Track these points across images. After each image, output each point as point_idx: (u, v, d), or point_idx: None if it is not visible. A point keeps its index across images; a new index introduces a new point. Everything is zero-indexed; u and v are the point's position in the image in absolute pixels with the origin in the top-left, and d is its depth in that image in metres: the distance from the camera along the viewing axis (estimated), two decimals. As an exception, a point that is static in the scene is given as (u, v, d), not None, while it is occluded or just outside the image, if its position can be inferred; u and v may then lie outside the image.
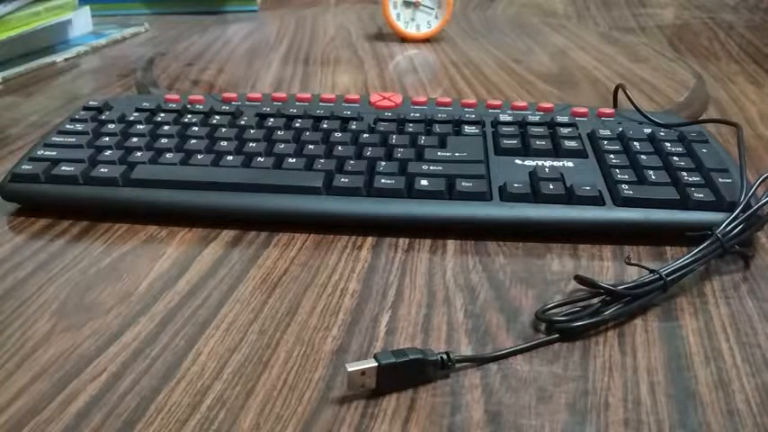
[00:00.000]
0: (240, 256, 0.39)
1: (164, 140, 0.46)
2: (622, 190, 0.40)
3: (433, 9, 0.80)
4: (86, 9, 0.87)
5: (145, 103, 0.53)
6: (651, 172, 0.42)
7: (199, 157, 0.44)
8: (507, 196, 0.41)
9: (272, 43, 0.83)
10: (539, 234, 0.40)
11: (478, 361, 0.30)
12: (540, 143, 0.46)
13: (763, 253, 0.39)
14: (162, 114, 0.51)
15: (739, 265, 0.38)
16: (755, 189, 0.39)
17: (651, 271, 0.34)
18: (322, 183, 0.41)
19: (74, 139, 0.47)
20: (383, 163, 0.43)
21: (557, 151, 0.45)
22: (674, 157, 0.43)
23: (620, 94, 0.55)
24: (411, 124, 0.49)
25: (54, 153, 0.45)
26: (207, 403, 0.28)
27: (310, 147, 0.45)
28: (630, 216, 0.39)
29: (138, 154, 0.44)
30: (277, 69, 0.72)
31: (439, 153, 0.45)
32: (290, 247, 0.39)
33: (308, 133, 0.47)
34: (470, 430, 0.26)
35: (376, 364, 0.28)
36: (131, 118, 0.50)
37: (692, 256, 0.35)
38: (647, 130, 0.48)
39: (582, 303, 0.33)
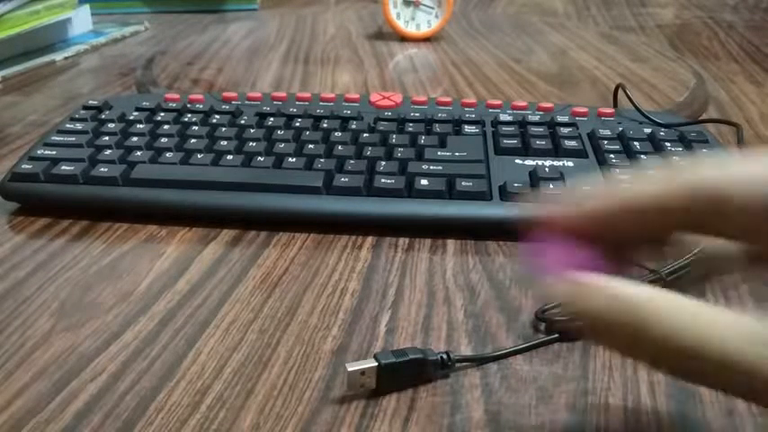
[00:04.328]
0: (240, 255, 0.39)
1: (163, 140, 0.46)
2: (622, 190, 0.40)
3: (432, 8, 0.80)
4: (86, 8, 0.87)
5: (145, 103, 0.53)
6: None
7: (199, 156, 0.44)
8: (507, 196, 0.41)
9: (272, 42, 0.83)
10: (539, 234, 0.40)
11: (478, 361, 0.30)
12: (540, 143, 0.46)
13: (763, 253, 0.39)
14: (162, 114, 0.51)
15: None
16: (755, 189, 0.39)
17: (651, 271, 0.34)
18: (322, 182, 0.41)
19: (73, 139, 0.47)
20: (383, 162, 0.43)
21: (557, 151, 0.45)
22: (675, 157, 0.43)
23: (620, 94, 0.55)
24: (411, 124, 0.49)
25: (54, 152, 0.45)
26: (207, 403, 0.28)
27: (310, 146, 0.45)
28: (630, 216, 0.39)
29: (138, 153, 0.44)
30: (277, 69, 0.72)
31: (439, 153, 0.45)
32: (290, 246, 0.39)
33: (308, 133, 0.47)
34: (470, 430, 0.26)
35: (376, 364, 0.28)
36: (131, 117, 0.50)
37: (692, 256, 0.35)
38: (648, 130, 0.48)
39: (582, 303, 0.33)
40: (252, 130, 0.48)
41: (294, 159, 0.44)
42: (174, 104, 0.52)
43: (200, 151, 0.45)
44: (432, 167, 0.43)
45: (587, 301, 0.20)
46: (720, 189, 0.19)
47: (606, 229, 0.21)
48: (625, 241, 0.22)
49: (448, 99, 0.53)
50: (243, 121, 0.50)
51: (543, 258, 0.21)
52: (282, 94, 0.55)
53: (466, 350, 0.31)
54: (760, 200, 0.18)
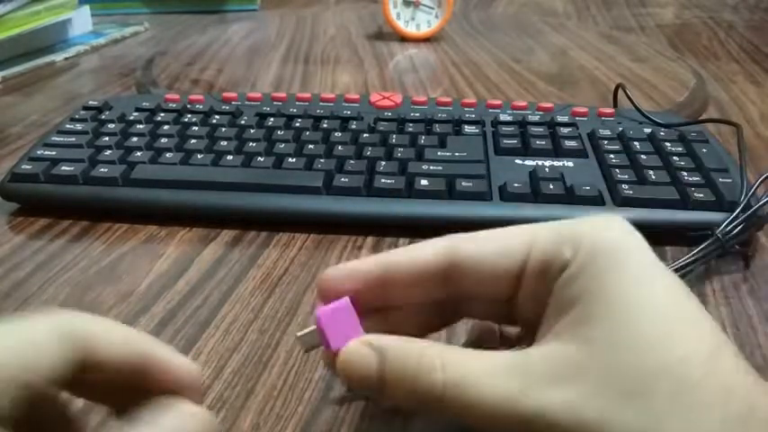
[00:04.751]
0: (240, 256, 0.39)
1: (163, 140, 0.46)
2: (622, 190, 0.40)
3: (432, 8, 0.80)
4: (86, 8, 0.87)
5: (145, 103, 0.53)
6: (651, 172, 0.42)
7: (199, 156, 0.44)
8: (507, 196, 0.41)
9: (272, 43, 0.83)
10: (539, 234, 0.40)
11: (478, 361, 0.30)
12: (540, 143, 0.46)
13: (763, 253, 0.39)
14: (162, 114, 0.51)
15: (739, 265, 0.38)
16: (755, 189, 0.39)
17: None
18: (322, 182, 0.41)
19: (74, 139, 0.47)
20: (383, 163, 0.43)
21: (557, 151, 0.45)
22: (675, 157, 0.43)
23: (620, 94, 0.55)
24: (411, 124, 0.49)
25: (54, 153, 0.45)
26: (207, 403, 0.28)
27: (310, 146, 0.45)
28: (630, 216, 0.38)
29: (138, 154, 0.44)
30: (277, 69, 0.72)
31: (439, 153, 0.45)
32: (290, 247, 0.39)
33: (308, 133, 0.47)
34: (470, 430, 0.26)
35: (376, 365, 0.28)
36: (131, 118, 0.50)
37: (692, 256, 0.35)
38: (647, 130, 0.48)
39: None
40: (252, 131, 0.48)
41: (294, 159, 0.44)
42: (174, 105, 0.52)
43: (200, 152, 0.45)
44: (432, 168, 0.43)
45: (340, 370, 0.21)
46: (462, 257, 0.22)
47: (373, 292, 0.23)
48: (401, 303, 0.24)
49: (448, 99, 0.53)
50: (243, 122, 0.50)
51: (325, 326, 0.22)
52: (282, 94, 0.55)
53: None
54: (479, 261, 0.22)
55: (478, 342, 0.26)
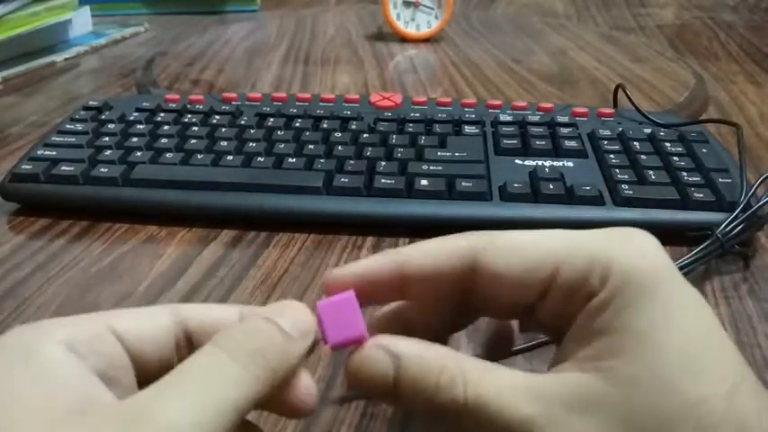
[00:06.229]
0: (240, 256, 0.39)
1: (164, 140, 0.46)
2: (622, 190, 0.40)
3: (432, 9, 0.80)
4: (86, 9, 0.87)
5: (145, 103, 0.53)
6: (651, 172, 0.42)
7: (199, 156, 0.44)
8: (507, 196, 0.41)
9: (272, 43, 0.83)
10: (539, 234, 0.40)
11: (478, 361, 0.30)
12: (540, 143, 0.46)
13: (763, 253, 0.39)
14: (162, 114, 0.51)
15: (739, 265, 0.38)
16: (755, 189, 0.39)
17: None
18: (322, 183, 0.41)
19: (74, 139, 0.47)
20: (383, 163, 0.43)
21: (557, 151, 0.45)
22: (674, 157, 0.43)
23: (620, 94, 0.55)
24: (411, 124, 0.49)
25: (54, 153, 0.45)
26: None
27: (310, 147, 0.45)
28: (630, 216, 0.39)
29: (138, 154, 0.44)
30: (277, 69, 0.72)
31: (439, 153, 0.45)
32: (290, 247, 0.39)
33: (308, 133, 0.47)
34: (470, 430, 0.26)
35: (376, 364, 0.28)
36: (131, 118, 0.50)
37: (692, 256, 0.35)
38: (647, 130, 0.48)
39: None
40: (252, 131, 0.48)
41: (294, 160, 0.44)
42: (174, 105, 0.52)
43: (200, 152, 0.45)
44: (432, 168, 0.43)
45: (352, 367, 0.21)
46: (484, 266, 0.21)
47: (384, 293, 0.23)
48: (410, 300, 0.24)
49: (448, 99, 0.53)
50: (243, 122, 0.50)
51: (324, 319, 0.21)
52: (282, 94, 0.55)
53: (466, 350, 0.31)
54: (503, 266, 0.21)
55: (496, 336, 0.26)
